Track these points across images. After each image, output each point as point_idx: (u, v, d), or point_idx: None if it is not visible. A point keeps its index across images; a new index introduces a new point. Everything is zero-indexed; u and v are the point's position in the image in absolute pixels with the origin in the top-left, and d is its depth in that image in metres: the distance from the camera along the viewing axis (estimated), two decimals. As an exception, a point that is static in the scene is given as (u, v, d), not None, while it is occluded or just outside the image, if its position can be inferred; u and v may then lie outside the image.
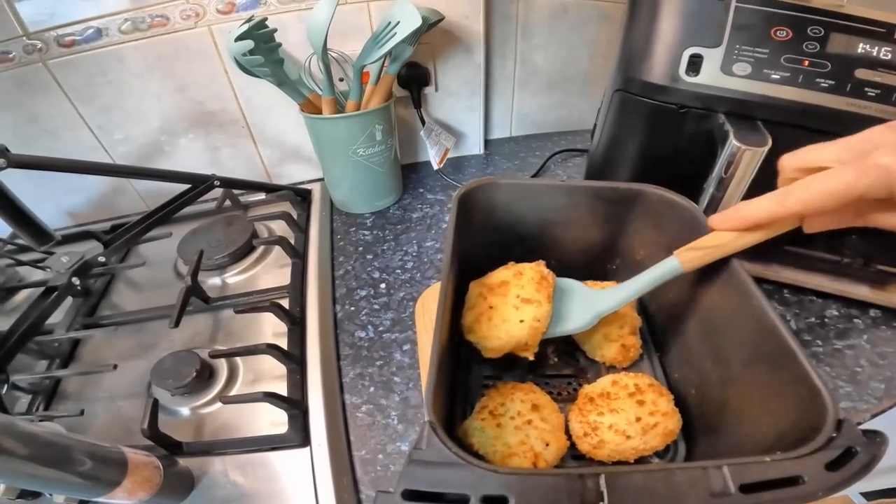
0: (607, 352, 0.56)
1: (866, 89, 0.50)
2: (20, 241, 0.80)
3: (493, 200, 0.60)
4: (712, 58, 0.56)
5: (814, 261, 0.66)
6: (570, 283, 0.57)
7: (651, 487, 0.30)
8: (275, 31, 0.68)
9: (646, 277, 0.49)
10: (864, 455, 0.30)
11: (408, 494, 0.30)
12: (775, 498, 0.30)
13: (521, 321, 0.49)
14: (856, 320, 0.65)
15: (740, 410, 0.44)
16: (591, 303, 0.54)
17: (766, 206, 0.38)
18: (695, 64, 0.57)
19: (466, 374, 0.58)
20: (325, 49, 0.68)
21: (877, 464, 0.30)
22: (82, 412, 0.57)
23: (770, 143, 0.51)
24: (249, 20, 0.65)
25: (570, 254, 0.64)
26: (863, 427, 0.32)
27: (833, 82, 0.51)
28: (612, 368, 0.57)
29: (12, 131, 0.79)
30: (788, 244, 0.65)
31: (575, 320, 0.53)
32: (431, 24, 0.78)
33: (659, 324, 0.61)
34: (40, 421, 0.56)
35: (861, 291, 0.65)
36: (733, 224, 0.42)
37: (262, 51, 0.66)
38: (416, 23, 0.66)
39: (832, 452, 0.31)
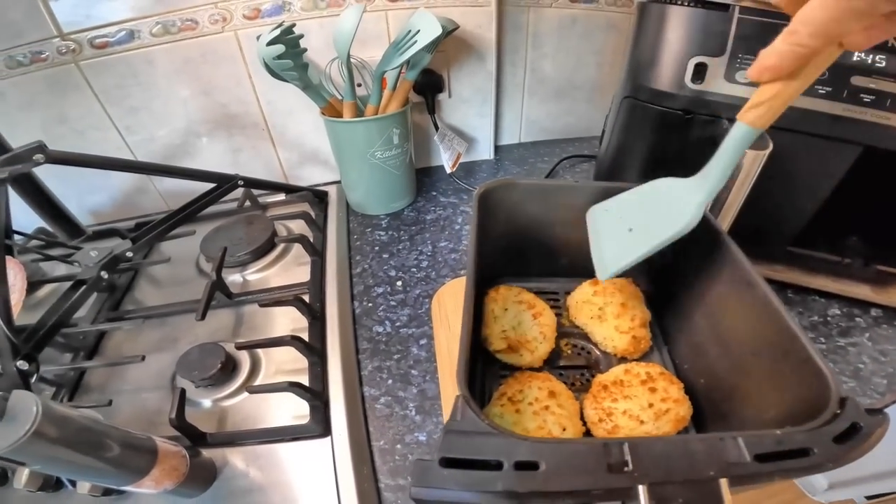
0: (619, 343, 0.58)
1: (861, 95, 0.53)
2: (45, 237, 0.82)
3: (511, 200, 0.63)
4: (716, 66, 0.59)
5: (816, 261, 0.68)
6: (654, 187, 0.51)
7: (671, 454, 0.32)
8: (301, 36, 0.71)
9: (725, 153, 0.43)
10: (868, 429, 0.32)
11: (445, 462, 0.32)
12: (787, 467, 0.32)
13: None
14: (857, 319, 0.67)
15: (748, 397, 0.46)
16: (686, 195, 0.47)
17: (782, 48, 0.34)
18: (700, 72, 0.60)
19: (483, 366, 0.60)
20: (349, 55, 0.70)
21: (880, 439, 0.32)
22: (110, 402, 0.58)
23: (771, 146, 0.53)
24: (280, 25, 0.67)
25: (584, 254, 0.66)
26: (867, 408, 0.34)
27: (830, 89, 0.53)
28: (623, 360, 0.59)
29: (41, 130, 0.81)
30: (791, 245, 0.67)
31: (676, 221, 0.46)
32: (447, 33, 0.81)
33: (668, 318, 0.63)
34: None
35: (862, 291, 0.67)
36: (762, 74, 0.36)
37: (291, 55, 0.69)
38: (437, 32, 0.69)
39: (839, 426, 0.33)
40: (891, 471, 1.08)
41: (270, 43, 0.66)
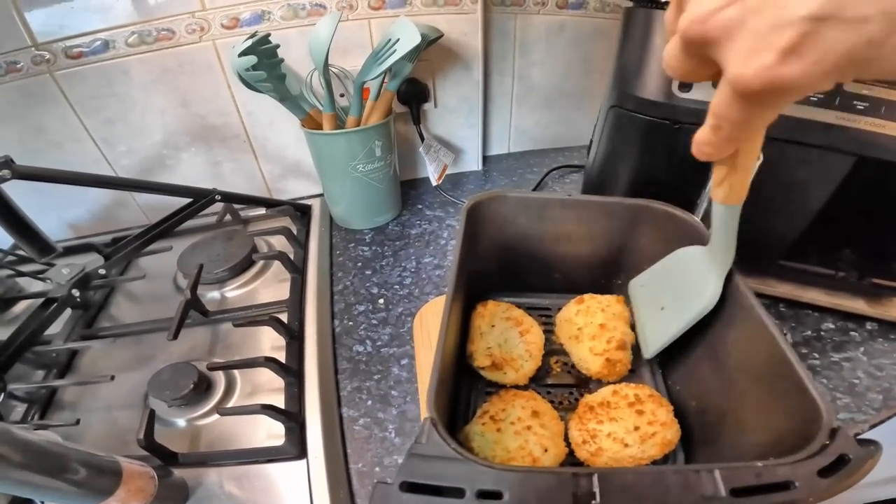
0: (592, 365, 0.56)
1: (854, 102, 0.51)
2: (20, 252, 0.81)
3: (501, 213, 0.62)
4: (704, 73, 0.57)
5: (809, 275, 0.67)
6: (679, 258, 0.54)
7: (642, 488, 0.31)
8: (277, 46, 0.69)
9: (719, 230, 0.45)
10: (856, 462, 0.31)
11: (406, 486, 0.31)
12: (765, 502, 0.30)
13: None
14: (852, 333, 0.65)
15: (739, 421, 0.44)
16: (704, 268, 0.49)
17: (712, 140, 0.33)
18: (687, 80, 0.58)
19: (470, 381, 0.58)
20: (326, 65, 0.69)
21: (870, 470, 0.31)
22: (78, 422, 0.57)
23: (761, 158, 0.52)
24: (253, 36, 0.66)
25: (576, 268, 0.65)
26: (862, 437, 0.32)
27: (822, 96, 0.52)
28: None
29: (18, 142, 0.80)
30: (783, 259, 0.66)
31: (698, 300, 0.49)
32: (431, 41, 0.80)
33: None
34: (35, 429, 0.56)
35: (857, 305, 0.65)
36: (702, 156, 0.35)
37: (265, 66, 0.67)
38: (416, 40, 0.68)
39: (825, 459, 0.31)
40: (892, 477, 1.06)
41: (242, 54, 0.64)
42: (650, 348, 0.55)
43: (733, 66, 0.26)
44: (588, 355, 0.56)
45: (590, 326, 0.58)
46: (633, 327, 0.60)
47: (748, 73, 0.25)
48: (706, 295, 0.48)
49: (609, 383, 0.55)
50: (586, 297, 0.61)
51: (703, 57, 0.29)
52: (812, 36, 0.23)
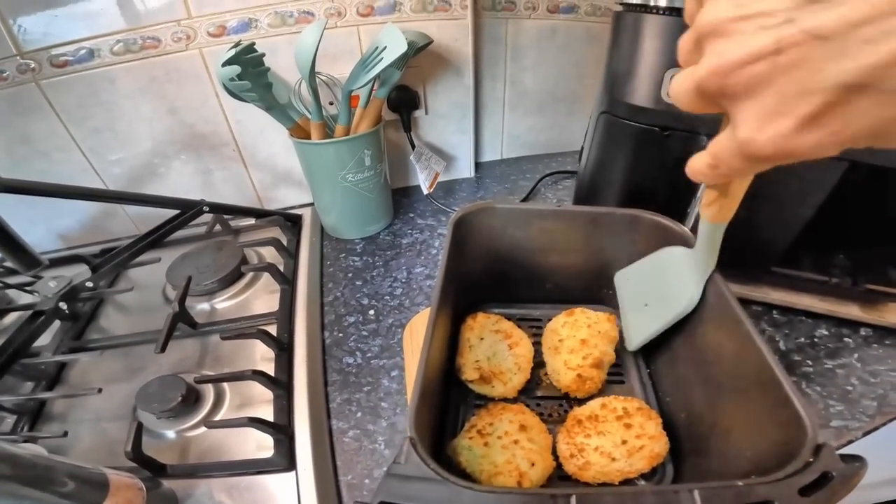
0: (563, 378, 0.55)
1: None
2: (7, 265, 0.80)
3: (490, 225, 0.61)
4: (693, 79, 0.57)
5: (802, 281, 0.66)
6: (664, 257, 0.56)
7: (622, 510, 0.30)
8: (263, 55, 0.69)
9: (704, 243, 0.47)
10: (840, 479, 0.30)
11: None
12: (745, 522, 0.30)
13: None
14: (846, 339, 0.65)
15: (728, 433, 0.44)
16: (687, 270, 0.51)
17: (708, 174, 0.32)
18: (676, 85, 0.58)
19: (459, 393, 0.58)
20: (312, 73, 0.68)
21: (853, 487, 0.30)
22: (65, 434, 0.56)
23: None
24: (237, 45, 0.65)
25: (566, 279, 0.65)
26: (856, 443, 0.32)
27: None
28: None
29: (5, 152, 0.80)
30: (777, 265, 0.65)
31: (679, 301, 0.51)
32: (420, 48, 0.79)
33: (652, 350, 0.61)
34: (24, 442, 0.56)
35: (851, 311, 0.65)
36: (697, 179, 0.34)
37: (250, 76, 0.66)
38: (402, 48, 0.67)
39: (807, 477, 0.31)
40: (891, 479, 1.06)
41: (226, 63, 0.63)
42: (633, 342, 0.57)
43: (746, 127, 0.25)
44: (562, 368, 0.55)
45: (571, 340, 0.57)
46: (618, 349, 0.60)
47: (760, 140, 0.24)
48: (686, 298, 0.51)
49: (576, 399, 0.56)
50: (577, 310, 0.61)
51: (713, 101, 0.27)
52: (840, 105, 0.21)
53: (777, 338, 0.65)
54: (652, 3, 0.58)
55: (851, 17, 0.20)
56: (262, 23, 0.77)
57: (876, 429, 0.55)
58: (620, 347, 0.59)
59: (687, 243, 0.54)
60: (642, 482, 0.48)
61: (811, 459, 0.32)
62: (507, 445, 0.47)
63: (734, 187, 0.39)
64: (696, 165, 0.32)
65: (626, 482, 0.46)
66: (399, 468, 0.33)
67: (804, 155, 0.24)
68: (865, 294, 0.65)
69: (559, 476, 0.49)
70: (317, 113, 0.74)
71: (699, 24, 0.26)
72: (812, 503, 0.30)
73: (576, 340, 0.57)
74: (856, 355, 0.62)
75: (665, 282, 0.55)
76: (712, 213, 0.42)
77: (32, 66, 0.73)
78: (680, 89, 0.29)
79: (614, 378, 0.59)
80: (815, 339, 0.65)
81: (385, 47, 0.68)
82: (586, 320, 0.59)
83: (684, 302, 0.51)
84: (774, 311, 0.68)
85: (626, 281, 0.61)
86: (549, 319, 0.64)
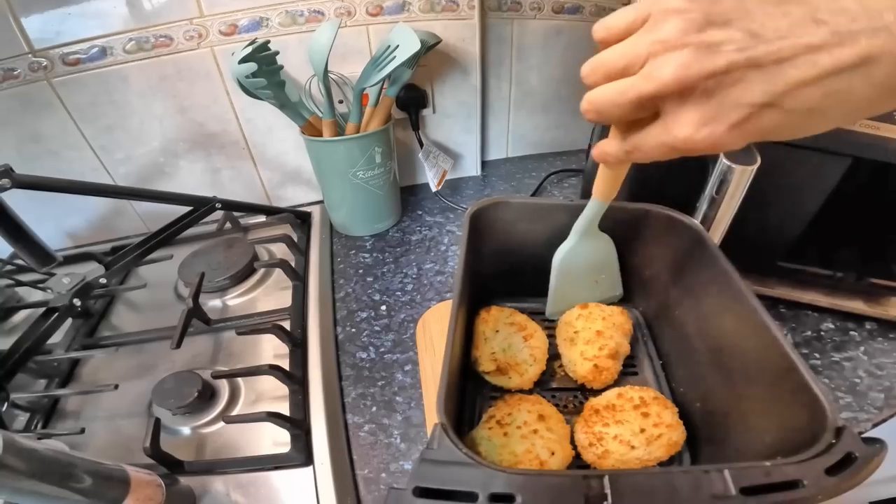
0: (579, 369, 0.56)
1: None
2: (19, 262, 0.81)
3: (503, 219, 0.62)
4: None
5: (808, 276, 0.67)
6: (564, 257, 0.61)
7: (653, 488, 0.31)
8: (277, 53, 0.69)
9: (592, 217, 0.56)
10: (863, 460, 0.31)
11: (418, 491, 0.31)
12: (774, 501, 0.30)
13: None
14: (852, 333, 0.65)
15: (744, 421, 0.45)
16: (587, 243, 0.60)
17: (618, 156, 0.37)
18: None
19: (474, 387, 0.58)
20: (326, 72, 0.69)
21: (876, 468, 0.31)
22: (83, 430, 0.57)
23: (759, 161, 0.52)
24: (252, 43, 0.66)
25: None
26: (865, 435, 0.33)
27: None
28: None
29: (15, 150, 0.80)
30: (782, 260, 0.66)
31: (608, 245, 0.62)
32: (429, 47, 0.80)
33: (665, 340, 0.62)
34: (39, 439, 0.56)
35: (856, 305, 0.66)
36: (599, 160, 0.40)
37: (265, 73, 0.67)
38: (415, 47, 0.68)
39: (832, 457, 0.31)
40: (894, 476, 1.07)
41: (243, 61, 0.64)
42: (619, 292, 0.67)
43: (686, 126, 0.29)
44: (578, 358, 0.56)
45: (587, 331, 0.58)
46: (632, 342, 0.60)
47: (697, 137, 0.29)
48: (609, 244, 0.62)
49: (591, 390, 0.56)
50: (592, 304, 0.62)
51: (649, 108, 0.31)
52: (755, 116, 0.28)
53: (784, 331, 0.65)
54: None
55: (780, 54, 0.26)
56: (273, 22, 0.78)
57: (884, 420, 0.56)
58: (634, 340, 0.60)
59: (698, 236, 0.55)
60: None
61: (834, 441, 0.32)
62: (526, 435, 0.48)
63: (625, 173, 0.47)
64: (609, 148, 0.37)
65: (646, 469, 0.47)
66: (432, 453, 0.33)
67: (724, 149, 0.30)
68: (870, 288, 0.66)
69: (578, 465, 0.49)
70: (329, 111, 0.75)
71: (659, 38, 0.29)
72: (839, 482, 0.30)
73: (591, 332, 0.57)
74: (862, 348, 0.63)
75: (585, 262, 0.62)
76: (610, 196, 0.51)
77: (44, 64, 0.73)
78: (616, 100, 0.32)
79: (628, 370, 0.60)
80: (822, 333, 0.66)
81: (398, 46, 0.68)
82: (601, 313, 0.60)
83: (611, 245, 0.62)
84: (780, 306, 0.69)
85: (561, 302, 0.65)
86: (562, 313, 0.65)
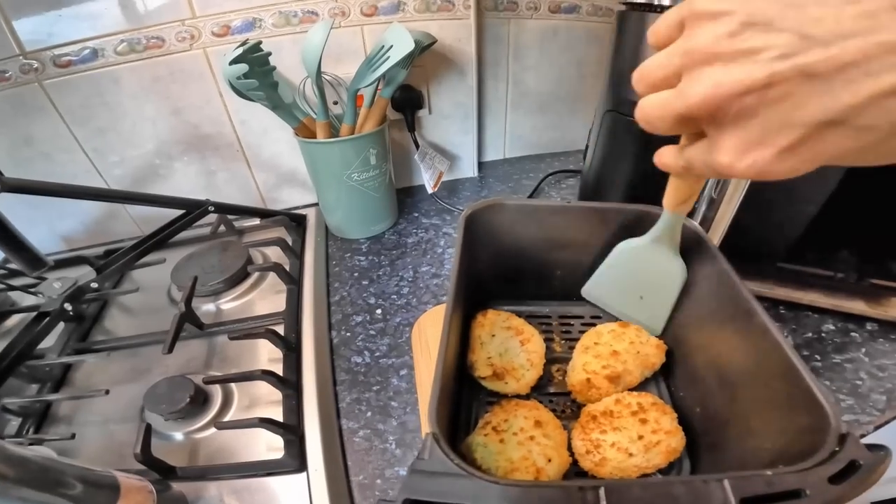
0: (573, 377, 0.54)
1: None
2: (11, 266, 0.80)
3: (500, 221, 0.61)
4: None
5: (808, 277, 0.66)
6: (621, 253, 0.58)
7: (650, 500, 0.30)
8: (269, 54, 0.68)
9: (666, 228, 0.52)
10: (867, 468, 0.30)
11: (409, 503, 0.30)
12: (776, 510, 0.30)
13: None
14: (853, 334, 0.65)
15: (745, 427, 0.44)
16: (656, 252, 0.55)
17: (677, 170, 0.35)
18: (682, 82, 0.58)
19: (470, 391, 0.58)
20: (319, 73, 0.68)
21: (880, 476, 0.30)
22: (73, 436, 0.56)
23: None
24: (244, 43, 0.65)
25: (575, 275, 0.65)
26: (867, 438, 0.32)
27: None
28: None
29: (7, 153, 0.79)
30: (782, 261, 0.66)
31: (672, 277, 0.56)
32: (424, 48, 0.79)
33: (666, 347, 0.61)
34: (30, 444, 0.55)
35: (856, 306, 0.65)
36: (663, 167, 0.37)
37: (257, 74, 0.66)
38: (409, 47, 0.67)
39: (835, 466, 0.31)
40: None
41: (234, 62, 0.63)
42: (657, 327, 0.60)
43: (726, 154, 0.26)
44: (578, 366, 0.55)
45: (605, 347, 0.56)
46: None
47: (739, 167, 0.26)
48: (677, 271, 0.55)
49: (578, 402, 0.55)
50: (633, 326, 0.59)
51: (694, 125, 0.28)
52: (814, 138, 0.23)
53: (785, 333, 0.65)
54: (655, 2, 0.59)
55: (842, 59, 0.21)
56: (266, 22, 0.77)
57: (887, 423, 0.56)
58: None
59: (698, 238, 0.54)
60: (660, 477, 0.48)
61: (837, 448, 0.31)
62: (522, 442, 0.47)
63: (699, 187, 0.44)
64: (667, 160, 0.35)
65: (644, 478, 0.46)
66: (423, 464, 0.32)
67: (776, 177, 0.25)
68: (870, 289, 0.65)
69: (575, 472, 0.49)
70: (322, 112, 0.74)
71: (691, 50, 0.26)
72: (843, 491, 0.29)
73: (609, 349, 0.55)
74: (863, 350, 0.63)
75: (643, 271, 0.57)
76: (684, 210, 0.48)
77: (35, 66, 0.72)
78: (658, 114, 0.29)
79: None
80: (823, 334, 0.65)
81: (392, 46, 0.67)
82: (635, 337, 0.57)
83: (679, 276, 0.55)
84: (781, 307, 0.69)
85: (601, 290, 0.63)
86: (559, 316, 0.64)
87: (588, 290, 0.64)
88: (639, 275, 0.58)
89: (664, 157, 0.35)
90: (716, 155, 0.27)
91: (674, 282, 0.55)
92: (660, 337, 0.59)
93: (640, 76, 0.30)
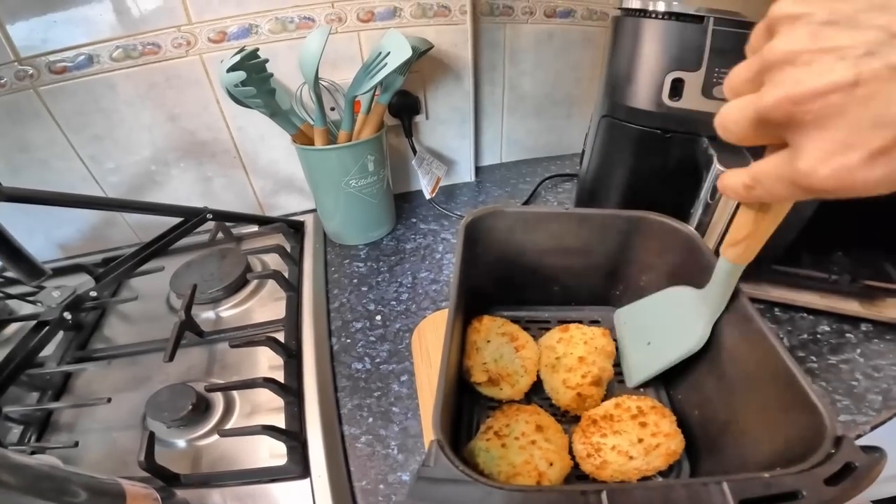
0: (562, 398, 0.54)
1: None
2: (8, 275, 0.80)
3: (499, 228, 0.61)
4: (693, 81, 0.58)
5: (803, 279, 0.67)
6: (669, 296, 0.56)
7: (651, 503, 0.31)
8: (266, 61, 0.69)
9: (718, 283, 0.46)
10: (863, 470, 0.31)
11: None
12: (774, 513, 0.30)
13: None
14: (848, 335, 0.66)
15: (743, 430, 0.45)
16: (694, 312, 0.51)
17: (740, 193, 0.32)
18: (677, 88, 0.59)
19: (471, 396, 0.58)
20: (316, 79, 0.68)
21: (875, 478, 0.31)
22: (76, 444, 0.56)
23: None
24: (241, 50, 0.65)
25: (574, 280, 0.65)
26: (864, 438, 0.33)
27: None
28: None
29: (3, 160, 0.79)
30: (777, 264, 0.66)
31: (685, 341, 0.51)
32: (421, 53, 0.79)
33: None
34: (33, 452, 0.55)
35: (851, 307, 0.66)
36: (727, 193, 0.34)
37: (255, 81, 0.66)
38: (406, 53, 0.67)
39: (831, 467, 0.31)
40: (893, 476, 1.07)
41: (231, 69, 0.63)
42: (633, 380, 0.58)
43: (809, 157, 0.24)
44: (560, 387, 0.55)
45: (568, 357, 0.56)
46: (615, 364, 0.60)
47: (822, 172, 0.24)
48: (694, 337, 0.50)
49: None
50: (572, 326, 0.60)
51: (772, 130, 0.27)
52: None
53: (780, 335, 0.65)
54: (651, 9, 0.59)
55: None
56: (262, 29, 0.77)
57: (883, 423, 0.56)
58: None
59: (692, 242, 0.55)
60: (660, 479, 0.48)
61: (832, 451, 0.32)
62: (524, 446, 0.47)
63: (766, 224, 0.37)
64: (731, 183, 0.32)
65: (644, 480, 0.47)
66: (428, 471, 0.33)
67: (863, 190, 0.23)
68: (864, 290, 0.66)
69: (576, 476, 0.49)
70: (320, 119, 0.74)
71: (771, 52, 0.25)
72: (839, 493, 0.30)
73: (573, 358, 0.56)
74: (858, 350, 0.63)
75: (670, 321, 0.54)
76: (736, 254, 0.41)
77: (31, 72, 0.72)
78: (735, 118, 0.28)
79: (623, 378, 0.59)
80: (818, 336, 0.66)
81: (389, 52, 0.68)
82: (582, 336, 0.59)
83: (691, 341, 0.50)
84: (776, 309, 0.69)
85: (628, 318, 0.62)
86: (560, 321, 0.64)
87: (619, 313, 0.64)
88: (663, 320, 0.56)
89: (727, 178, 0.32)
90: (798, 162, 0.25)
91: (682, 345, 0.51)
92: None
93: (727, 81, 0.29)
